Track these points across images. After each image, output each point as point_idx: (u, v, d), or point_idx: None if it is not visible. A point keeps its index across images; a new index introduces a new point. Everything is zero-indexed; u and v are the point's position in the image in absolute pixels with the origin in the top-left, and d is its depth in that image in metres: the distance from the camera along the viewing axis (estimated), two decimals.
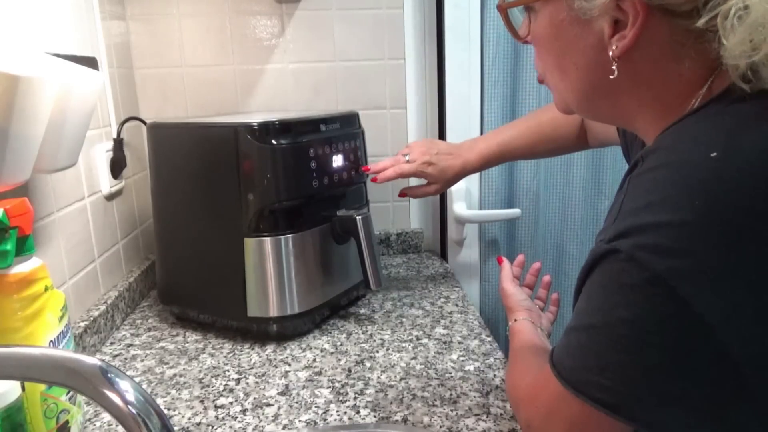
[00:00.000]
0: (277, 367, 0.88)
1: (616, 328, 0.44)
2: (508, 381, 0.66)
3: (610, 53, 0.50)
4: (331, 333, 0.98)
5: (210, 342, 0.97)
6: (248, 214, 0.92)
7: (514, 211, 1.32)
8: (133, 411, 0.35)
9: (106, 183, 1.05)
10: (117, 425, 0.74)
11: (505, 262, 0.90)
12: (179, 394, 0.81)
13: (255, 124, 0.90)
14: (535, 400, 0.54)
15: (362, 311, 1.07)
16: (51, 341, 0.63)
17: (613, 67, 0.50)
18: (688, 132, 0.47)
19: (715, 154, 0.42)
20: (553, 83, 0.59)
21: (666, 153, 0.46)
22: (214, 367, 0.88)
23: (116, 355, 0.93)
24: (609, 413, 0.45)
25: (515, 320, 0.78)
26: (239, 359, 0.91)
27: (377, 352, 0.91)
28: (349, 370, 0.86)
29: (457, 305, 1.07)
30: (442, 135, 1.33)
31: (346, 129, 1.04)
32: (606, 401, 0.45)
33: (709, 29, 0.45)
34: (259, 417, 0.75)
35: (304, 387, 0.82)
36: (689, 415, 0.44)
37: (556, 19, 0.53)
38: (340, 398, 0.78)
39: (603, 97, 0.55)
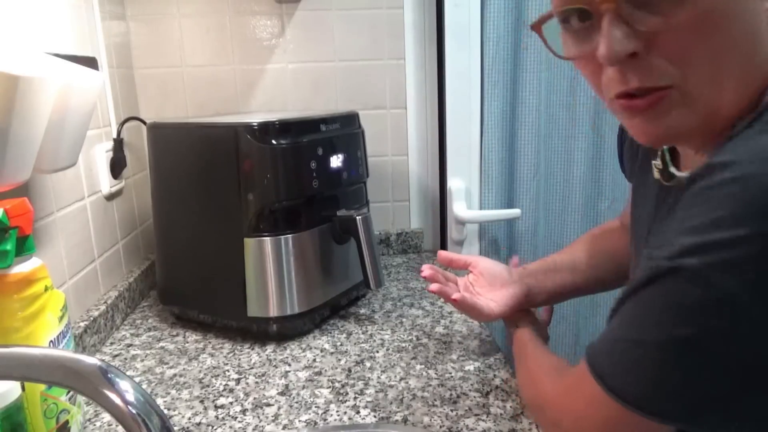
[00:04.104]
0: (277, 367, 0.88)
1: (678, 346, 0.43)
2: (525, 384, 0.66)
3: None
4: (331, 333, 0.98)
5: (210, 342, 0.97)
6: (248, 214, 0.92)
7: (514, 211, 1.32)
8: (133, 411, 0.35)
9: (106, 183, 1.05)
10: (117, 425, 0.74)
11: None
12: (179, 394, 0.81)
13: (255, 124, 0.90)
14: (566, 401, 0.54)
15: (362, 311, 1.07)
16: (51, 341, 0.63)
17: None
18: (759, 144, 0.44)
19: None
20: (705, 80, 0.49)
21: (736, 167, 0.43)
22: (214, 367, 0.88)
23: (116, 355, 0.93)
24: (669, 423, 0.45)
25: (517, 326, 0.78)
26: (239, 359, 0.91)
27: (377, 352, 0.91)
28: (349, 370, 0.86)
29: None
30: (442, 135, 1.33)
31: (346, 129, 1.04)
32: (668, 416, 0.45)
33: None
34: (259, 417, 0.75)
35: (304, 387, 0.82)
36: (744, 428, 0.44)
37: None
38: (340, 398, 0.78)
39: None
